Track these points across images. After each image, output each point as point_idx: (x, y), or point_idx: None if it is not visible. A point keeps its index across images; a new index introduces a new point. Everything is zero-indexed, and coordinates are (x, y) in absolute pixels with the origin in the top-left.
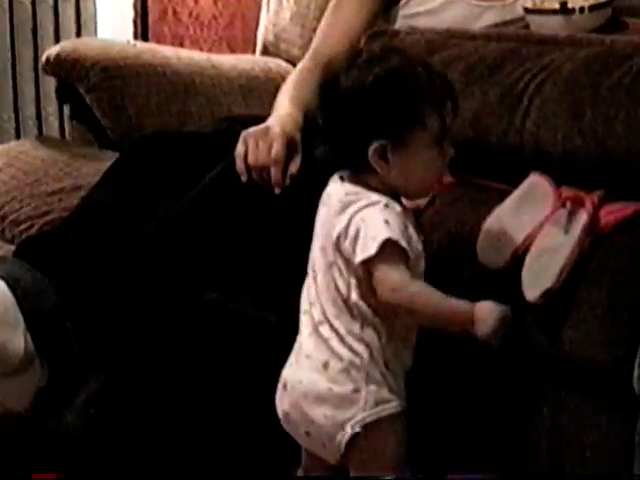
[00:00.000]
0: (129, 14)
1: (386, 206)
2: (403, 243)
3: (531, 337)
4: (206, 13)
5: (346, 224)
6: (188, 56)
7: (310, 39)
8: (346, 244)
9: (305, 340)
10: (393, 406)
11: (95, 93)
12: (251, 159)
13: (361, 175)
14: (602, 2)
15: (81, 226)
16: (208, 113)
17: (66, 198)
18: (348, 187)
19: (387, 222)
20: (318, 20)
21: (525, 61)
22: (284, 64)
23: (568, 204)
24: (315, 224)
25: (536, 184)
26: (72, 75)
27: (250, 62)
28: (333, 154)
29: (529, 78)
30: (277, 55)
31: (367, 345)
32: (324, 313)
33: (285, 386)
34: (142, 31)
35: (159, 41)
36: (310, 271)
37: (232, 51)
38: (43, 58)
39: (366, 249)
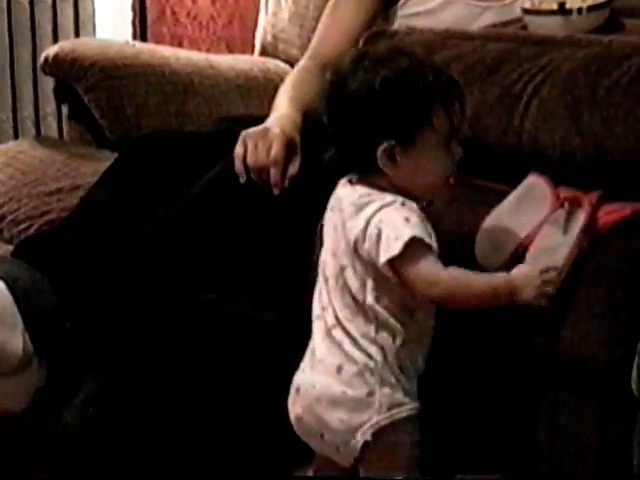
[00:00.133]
0: (127, 14)
1: (402, 204)
2: (427, 239)
3: (530, 337)
4: (204, 13)
5: (364, 226)
6: (186, 56)
7: (309, 39)
8: (366, 246)
9: (318, 345)
10: (407, 409)
11: (93, 93)
12: (250, 160)
13: (370, 177)
14: (600, 3)
15: (80, 226)
16: (206, 113)
17: (64, 198)
18: (359, 189)
19: (407, 220)
20: (317, 20)
21: (523, 61)
22: (282, 64)
23: (566, 204)
24: (324, 228)
25: (534, 184)
26: (70, 75)
27: (248, 62)
28: (341, 156)
29: (528, 78)
30: (275, 55)
31: (381, 348)
32: (337, 317)
33: (298, 390)
34: (141, 31)
35: (157, 41)
36: (320, 276)
37: (230, 51)
38: (41, 58)
39: (390, 249)
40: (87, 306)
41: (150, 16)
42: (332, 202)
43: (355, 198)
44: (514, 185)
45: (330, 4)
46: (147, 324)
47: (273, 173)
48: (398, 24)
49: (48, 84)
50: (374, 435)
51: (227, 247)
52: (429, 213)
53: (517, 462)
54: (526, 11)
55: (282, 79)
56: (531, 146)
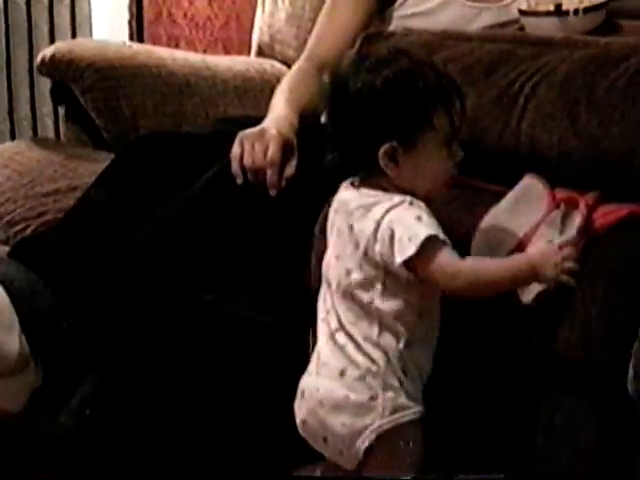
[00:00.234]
0: (124, 15)
1: (411, 204)
2: (441, 235)
3: (526, 338)
4: (201, 14)
5: (374, 229)
6: (183, 57)
7: (305, 40)
8: (377, 249)
9: (322, 348)
10: (411, 413)
11: (90, 94)
12: (247, 161)
13: (372, 178)
14: (597, 4)
15: (76, 227)
16: (203, 114)
17: (61, 199)
18: (364, 191)
19: (419, 218)
20: (313, 21)
21: (521, 63)
22: (279, 65)
23: (562, 205)
24: (327, 232)
25: (531, 185)
26: (67, 76)
27: (245, 63)
28: (343, 158)
29: (525, 80)
30: (272, 56)
31: (384, 351)
32: (340, 321)
33: (303, 394)
34: (137, 32)
35: (154, 42)
36: (324, 279)
37: (227, 52)
38: (38, 59)
39: (405, 250)
40: (84, 307)
41: (147, 17)
42: (335, 205)
43: (361, 200)
44: (511, 186)
45: (327, 5)
46: (144, 325)
47: (269, 174)
48: (395, 25)
49: (45, 85)
50: (377, 439)
51: (224, 248)
52: None
53: (516, 462)
54: (523, 12)
55: (279, 80)
56: (528, 147)
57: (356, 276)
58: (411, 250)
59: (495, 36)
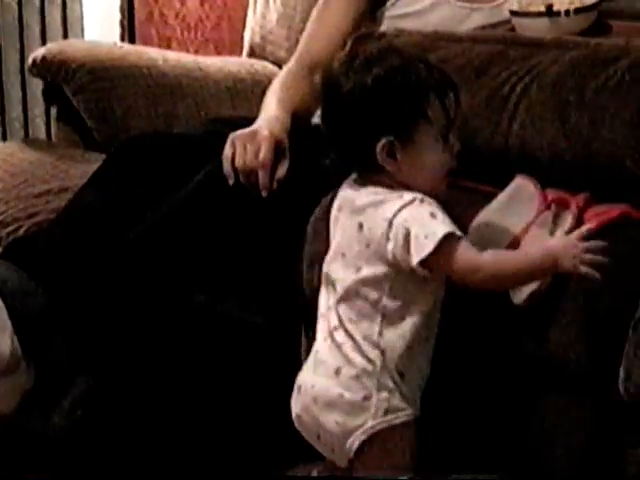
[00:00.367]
0: (116, 16)
1: (422, 201)
2: (457, 231)
3: (517, 339)
4: (193, 15)
5: (386, 227)
6: (175, 58)
7: (297, 41)
8: (390, 248)
9: (320, 345)
10: (404, 415)
11: (82, 95)
12: (239, 162)
13: (372, 176)
14: (587, 5)
15: (69, 228)
16: (195, 115)
17: (53, 200)
18: (370, 189)
19: (433, 215)
20: (304, 22)
21: (511, 64)
22: (271, 66)
23: (553, 206)
24: (330, 229)
25: (522, 186)
26: (59, 77)
27: (237, 64)
28: (341, 157)
29: (515, 81)
30: (264, 57)
31: (382, 352)
32: (340, 319)
33: (299, 389)
34: (129, 33)
35: (146, 43)
36: (325, 277)
37: (219, 53)
38: (29, 60)
39: (423, 249)
40: (76, 308)
41: (138, 17)
42: (338, 202)
43: (368, 198)
44: (502, 187)
45: (318, 6)
46: (136, 326)
47: (261, 175)
48: (386, 25)
49: (36, 86)
50: (369, 439)
51: (216, 249)
52: None
53: (511, 462)
54: (514, 13)
55: (270, 81)
56: (519, 148)
57: (365, 273)
58: (428, 248)
59: (486, 37)
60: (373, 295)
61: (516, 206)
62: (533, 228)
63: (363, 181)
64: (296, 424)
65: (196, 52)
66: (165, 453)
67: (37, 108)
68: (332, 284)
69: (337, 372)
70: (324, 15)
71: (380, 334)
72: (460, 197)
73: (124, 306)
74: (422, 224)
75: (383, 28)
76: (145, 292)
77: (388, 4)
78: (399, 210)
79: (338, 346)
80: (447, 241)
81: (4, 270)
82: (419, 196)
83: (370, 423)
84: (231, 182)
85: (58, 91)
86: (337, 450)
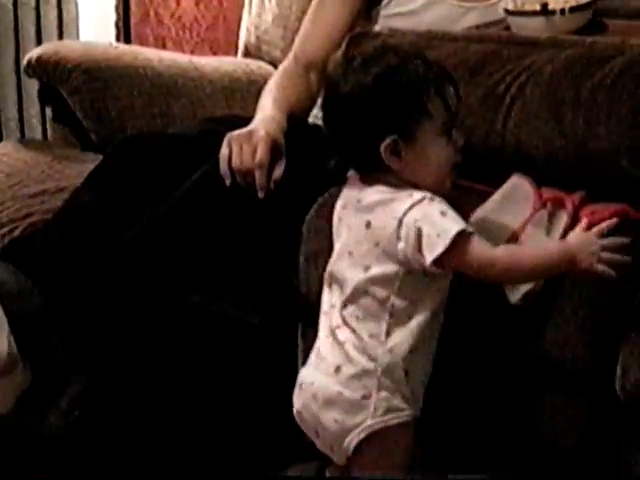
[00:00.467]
0: (111, 16)
1: (431, 199)
2: (469, 228)
3: (514, 338)
4: (188, 15)
5: (396, 226)
6: (170, 58)
7: (292, 41)
8: (400, 246)
9: (322, 342)
10: (404, 415)
11: (77, 95)
12: (235, 163)
13: (378, 174)
14: (583, 4)
15: (65, 228)
16: (190, 115)
17: (49, 200)
18: (377, 187)
19: (444, 213)
20: (300, 22)
21: (506, 63)
22: (266, 66)
23: (549, 205)
24: (333, 227)
25: (518, 185)
26: (54, 77)
27: (232, 64)
28: (345, 159)
29: (510, 80)
30: (259, 57)
31: (389, 350)
32: (343, 317)
33: (301, 386)
34: (124, 33)
35: (141, 43)
36: (328, 275)
37: (214, 53)
38: (25, 60)
39: (435, 247)
40: (72, 308)
41: (134, 18)
42: (343, 201)
43: (376, 196)
44: (497, 186)
45: (313, 5)
46: (132, 326)
47: (258, 176)
48: (381, 25)
49: (32, 86)
50: (367, 438)
51: (212, 249)
52: None
53: (505, 461)
54: (509, 12)
55: (266, 80)
56: (514, 147)
57: (375, 272)
58: (441, 247)
59: (481, 36)
60: (382, 294)
61: (512, 205)
62: (529, 227)
63: (368, 180)
64: (297, 420)
65: (192, 52)
66: (162, 453)
67: (33, 108)
68: (337, 282)
69: (337, 370)
70: (319, 14)
71: (387, 333)
72: (455, 196)
73: (120, 306)
74: (433, 222)
75: (378, 27)
76: (141, 292)
77: (383, 3)
78: (409, 209)
79: (340, 344)
80: (460, 238)
81: (1, 271)
82: (428, 194)
83: (369, 422)
84: (228, 182)
85: (54, 91)
86: (336, 448)
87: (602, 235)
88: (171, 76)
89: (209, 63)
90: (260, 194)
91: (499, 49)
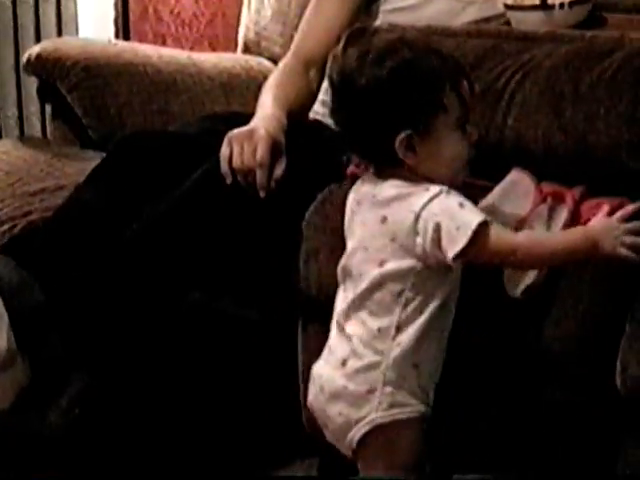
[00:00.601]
0: (110, 13)
1: (448, 193)
2: (487, 217)
3: (514, 333)
4: (187, 11)
5: (413, 220)
6: (169, 54)
7: (291, 37)
8: (418, 241)
9: (333, 336)
10: (409, 410)
11: (77, 92)
12: (236, 162)
13: (392, 169)
14: None
15: (67, 225)
16: (190, 111)
17: (48, 198)
18: (391, 182)
19: (462, 205)
20: (299, 18)
21: (506, 58)
22: (265, 62)
23: (549, 200)
24: (346, 223)
25: (517, 180)
26: (53, 75)
27: (231, 60)
28: (358, 153)
29: (510, 74)
30: (258, 53)
31: (397, 345)
32: (356, 311)
33: (313, 379)
34: (123, 30)
35: (140, 40)
36: (341, 270)
37: (213, 49)
38: (24, 58)
39: (456, 241)
40: (73, 306)
41: (133, 14)
42: (357, 197)
43: (392, 191)
44: (497, 181)
45: (312, 1)
46: (132, 323)
47: (259, 176)
48: (381, 20)
49: (31, 84)
50: (371, 432)
51: (212, 246)
52: None
53: (502, 460)
54: (508, 6)
55: (265, 77)
56: (514, 142)
57: (390, 267)
58: (463, 241)
59: (480, 31)
60: (396, 288)
61: (512, 200)
62: (529, 222)
63: (382, 175)
64: (311, 411)
65: (191, 48)
66: (162, 450)
67: (32, 106)
68: (350, 277)
69: (343, 363)
70: (319, 10)
71: (398, 327)
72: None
73: (120, 304)
74: (452, 216)
75: (378, 22)
76: (142, 290)
77: None
78: (427, 203)
79: (348, 338)
80: (480, 229)
81: (2, 266)
82: (444, 188)
83: (373, 415)
84: (228, 181)
85: (53, 89)
86: (342, 440)
87: (625, 220)
88: (170, 73)
89: (208, 59)
90: (261, 194)
91: (498, 44)
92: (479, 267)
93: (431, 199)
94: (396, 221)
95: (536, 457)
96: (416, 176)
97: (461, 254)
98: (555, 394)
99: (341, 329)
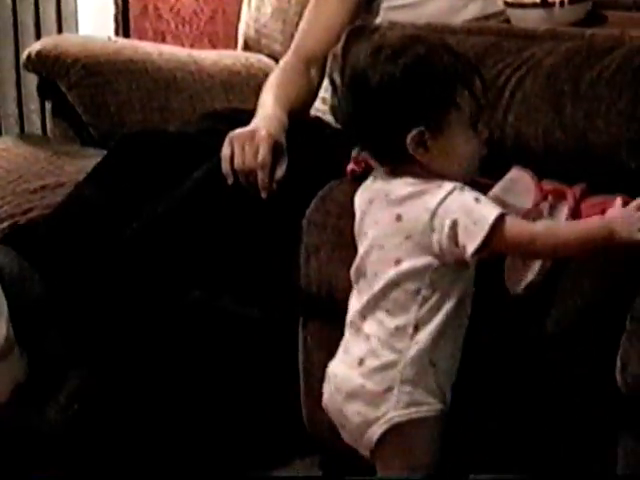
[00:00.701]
0: (110, 10)
1: (462, 189)
2: (502, 210)
3: (515, 330)
4: (187, 9)
5: (429, 218)
6: (169, 52)
7: (291, 34)
8: (434, 238)
9: (348, 335)
10: (426, 409)
11: (77, 90)
12: (238, 163)
13: (404, 167)
14: None
15: (67, 221)
16: (190, 109)
17: (48, 195)
18: (404, 180)
19: (477, 200)
20: (299, 15)
21: (506, 55)
22: (266, 59)
23: (550, 197)
24: (358, 223)
25: (518, 178)
26: (53, 72)
27: (231, 58)
28: (370, 150)
29: (510, 72)
30: (258, 50)
31: (415, 343)
32: (373, 310)
33: (328, 378)
34: (123, 27)
35: (140, 37)
36: (355, 270)
37: (213, 47)
38: (24, 55)
39: (475, 237)
40: (73, 302)
41: (132, 12)
42: (369, 195)
43: (406, 189)
44: (497, 178)
45: None
46: (133, 321)
47: (261, 176)
48: (382, 17)
49: (31, 81)
50: (389, 431)
51: (213, 244)
52: None
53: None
54: (508, 4)
55: (265, 74)
56: (514, 139)
57: (406, 266)
58: (480, 236)
59: (480, 29)
60: (412, 286)
61: (512, 197)
62: (529, 219)
63: (394, 173)
64: (326, 411)
65: (191, 46)
66: (162, 448)
67: (32, 103)
68: (365, 277)
69: (360, 363)
70: (319, 8)
71: (415, 325)
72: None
73: (121, 301)
74: (468, 212)
75: (378, 20)
76: (142, 287)
77: None
78: (442, 200)
79: (366, 337)
80: (498, 222)
81: (3, 256)
82: (458, 184)
83: (390, 414)
84: (230, 182)
85: (53, 86)
86: (359, 440)
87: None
88: (170, 70)
89: (208, 57)
90: (263, 194)
91: (499, 41)
92: (478, 266)
93: (446, 196)
94: (411, 219)
95: (539, 456)
96: (428, 173)
97: (480, 248)
98: (554, 391)
99: (357, 329)
